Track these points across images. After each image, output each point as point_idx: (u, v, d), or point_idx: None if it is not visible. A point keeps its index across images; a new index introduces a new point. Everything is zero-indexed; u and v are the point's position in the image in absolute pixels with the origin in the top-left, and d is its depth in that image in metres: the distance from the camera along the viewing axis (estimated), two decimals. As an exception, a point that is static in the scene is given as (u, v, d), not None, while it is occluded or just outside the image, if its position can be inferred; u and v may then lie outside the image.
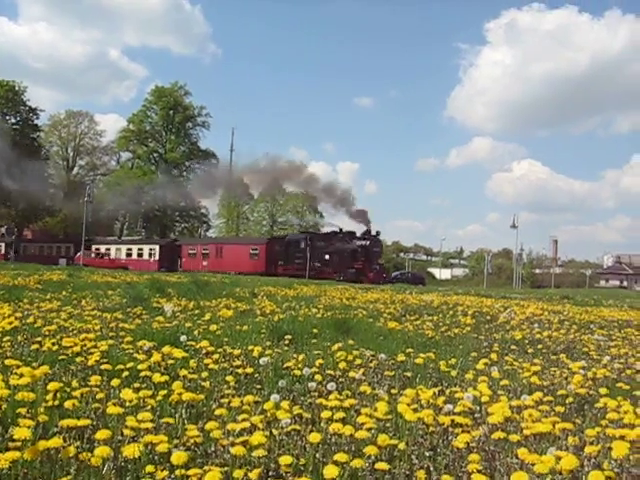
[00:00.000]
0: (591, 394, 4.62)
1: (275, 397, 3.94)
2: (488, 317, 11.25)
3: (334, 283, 34.21)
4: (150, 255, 71.14)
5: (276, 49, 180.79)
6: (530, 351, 7.11)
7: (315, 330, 7.89)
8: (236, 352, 5.72)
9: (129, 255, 72.94)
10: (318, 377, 4.73)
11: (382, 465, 2.78)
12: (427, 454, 3.10)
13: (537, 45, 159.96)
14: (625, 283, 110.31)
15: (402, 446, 3.08)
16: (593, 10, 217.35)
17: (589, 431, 3.35)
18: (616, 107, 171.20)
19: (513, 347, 7.26)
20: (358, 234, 60.56)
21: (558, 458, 2.70)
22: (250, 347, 5.99)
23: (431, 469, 2.95)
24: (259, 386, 4.83)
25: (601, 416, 3.90)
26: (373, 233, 59.96)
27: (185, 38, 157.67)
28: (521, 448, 2.97)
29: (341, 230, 61.75)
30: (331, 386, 4.46)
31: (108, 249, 75.34)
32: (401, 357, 5.70)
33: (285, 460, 2.81)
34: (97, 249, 75.31)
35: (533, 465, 2.69)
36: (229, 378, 4.70)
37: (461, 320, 10.24)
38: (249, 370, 5.01)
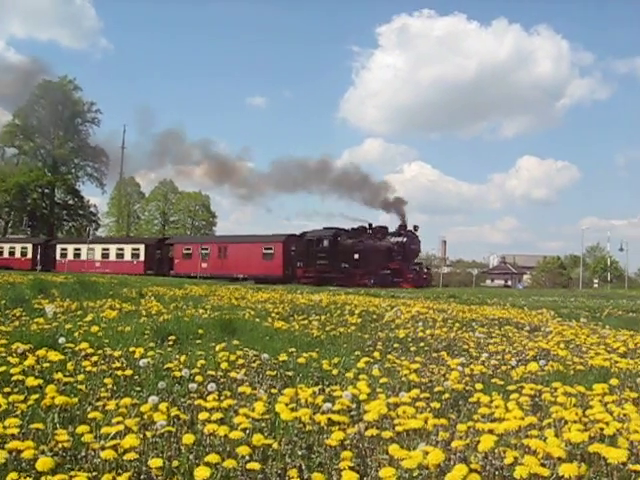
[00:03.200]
0: (467, 390, 4.75)
1: (153, 399, 3.87)
2: (375, 316, 11.40)
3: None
4: (133, 256, 60.75)
5: (168, 47, 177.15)
6: (413, 349, 7.23)
7: (201, 331, 7.81)
8: (117, 354, 5.62)
9: (105, 256, 62.50)
10: (199, 378, 4.69)
11: (254, 465, 2.77)
12: (300, 453, 3.12)
13: (427, 50, 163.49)
14: (509, 282, 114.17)
15: (276, 445, 3.09)
16: (481, 18, 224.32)
17: (460, 426, 3.44)
18: (502, 113, 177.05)
19: (396, 345, 7.38)
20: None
21: (426, 453, 2.77)
22: (132, 348, 5.88)
23: (303, 468, 2.96)
24: (139, 388, 4.74)
25: (474, 411, 4.01)
26: (409, 228, 52.35)
27: (75, 32, 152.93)
28: (394, 444, 3.02)
29: (371, 225, 52.97)
30: (211, 387, 4.44)
31: (78, 249, 64.25)
32: (284, 357, 5.71)
33: (155, 463, 2.76)
34: (63, 249, 65.25)
35: (403, 460, 2.74)
36: (107, 380, 4.60)
37: (348, 319, 10.35)
38: (129, 372, 4.92)
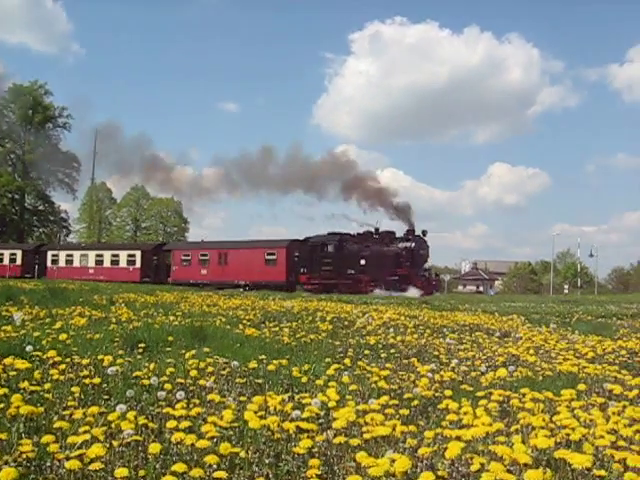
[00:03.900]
0: (437, 396, 4.77)
1: (121, 407, 3.83)
2: (346, 323, 11.40)
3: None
4: (129, 262, 57.20)
5: (140, 52, 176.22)
6: (383, 355, 7.24)
7: (171, 338, 7.76)
8: (85, 362, 5.55)
9: (99, 263, 58.78)
10: (168, 386, 4.65)
11: (220, 474, 2.75)
12: (267, 461, 3.11)
13: (400, 57, 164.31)
14: (481, 288, 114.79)
15: (243, 454, 3.07)
16: (453, 26, 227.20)
17: (428, 433, 3.45)
18: (474, 120, 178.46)
19: (367, 352, 7.39)
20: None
21: (393, 460, 2.77)
22: (100, 356, 5.82)
23: (270, 476, 2.95)
24: (107, 397, 4.70)
25: (443, 417, 4.02)
26: (417, 233, 49.00)
27: (45, 36, 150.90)
28: (361, 452, 3.02)
29: (377, 230, 50.09)
30: (180, 395, 4.41)
31: (70, 255, 60.62)
32: (254, 364, 5.69)
33: (121, 472, 2.74)
34: (54, 255, 60.87)
35: (370, 468, 2.74)
36: (75, 389, 4.53)
37: (319, 326, 10.33)
38: (97, 380, 4.86)
